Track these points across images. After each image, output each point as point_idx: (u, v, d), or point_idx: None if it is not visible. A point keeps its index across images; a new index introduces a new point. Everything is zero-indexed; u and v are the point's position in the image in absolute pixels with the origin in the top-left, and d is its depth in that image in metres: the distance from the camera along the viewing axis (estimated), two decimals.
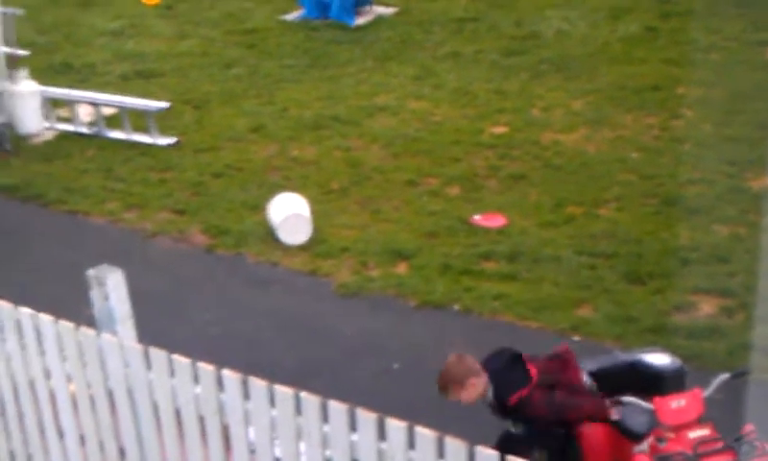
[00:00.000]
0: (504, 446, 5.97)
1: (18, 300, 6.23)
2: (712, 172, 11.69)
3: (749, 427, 6.31)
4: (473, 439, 4.85)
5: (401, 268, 10.41)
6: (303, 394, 5.28)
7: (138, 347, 5.79)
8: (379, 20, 18.08)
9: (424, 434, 4.93)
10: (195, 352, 5.88)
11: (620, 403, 6.41)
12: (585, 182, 11.88)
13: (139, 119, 13.88)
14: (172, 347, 5.79)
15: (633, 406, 6.40)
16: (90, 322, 6.13)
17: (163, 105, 14.06)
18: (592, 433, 6.48)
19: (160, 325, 8.67)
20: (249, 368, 5.79)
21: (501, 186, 12.01)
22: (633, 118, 13.44)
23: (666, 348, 7.11)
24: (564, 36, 16.59)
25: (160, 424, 5.85)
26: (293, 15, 18.50)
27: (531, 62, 15.59)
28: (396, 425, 5.03)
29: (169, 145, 13.61)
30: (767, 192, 11.09)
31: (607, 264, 10.11)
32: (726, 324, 9.01)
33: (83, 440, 6.15)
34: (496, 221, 11.16)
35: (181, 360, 5.63)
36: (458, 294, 9.82)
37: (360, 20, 18.02)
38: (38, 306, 6.17)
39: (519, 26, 17.20)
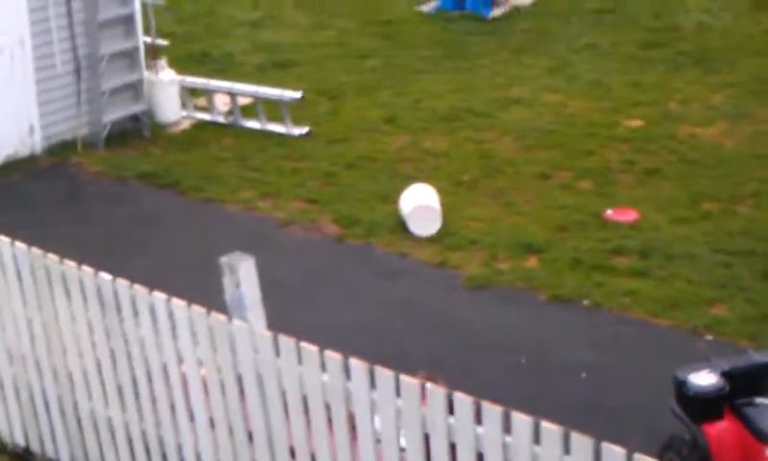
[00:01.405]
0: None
1: (153, 285, 6.37)
2: None
3: None
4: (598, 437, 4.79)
5: (532, 261, 10.34)
6: (429, 385, 5.29)
7: (268, 333, 5.87)
8: (515, 12, 17.97)
9: (550, 429, 4.89)
10: (323, 341, 5.93)
11: (753, 404, 6.27)
12: (722, 178, 11.63)
13: (274, 109, 14.06)
14: (301, 335, 5.85)
15: (766, 407, 6.25)
16: (223, 308, 6.24)
17: (296, 94, 14.20)
18: (721, 433, 6.34)
19: (290, 313, 8.77)
20: (376, 358, 5.81)
21: (635, 181, 11.83)
22: None
23: None
24: (705, 29, 16.26)
25: (288, 411, 5.92)
26: (429, 6, 18.50)
27: (669, 55, 15.31)
28: (521, 419, 5.00)
29: (302, 135, 13.76)
30: None
31: (743, 262, 9.88)
32: None
33: (212, 423, 6.26)
34: (629, 216, 11.00)
35: (309, 348, 5.69)
36: (588, 289, 9.71)
37: (496, 12, 17.92)
38: (172, 292, 6.30)
39: (658, 18, 16.91)
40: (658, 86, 14.31)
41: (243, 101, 14.52)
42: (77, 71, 13.62)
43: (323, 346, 5.70)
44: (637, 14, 17.15)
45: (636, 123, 13.32)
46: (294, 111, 14.02)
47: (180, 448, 6.49)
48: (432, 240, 10.90)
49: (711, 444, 6.34)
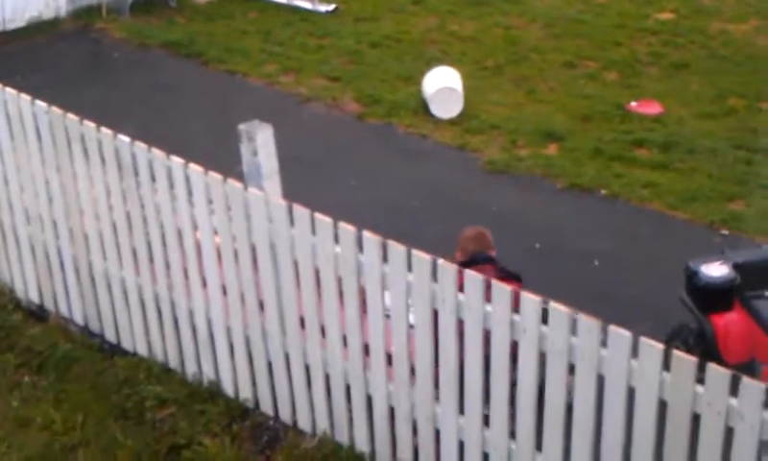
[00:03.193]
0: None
1: (172, 151, 6.37)
2: None
3: None
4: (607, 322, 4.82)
5: (551, 149, 10.29)
6: (441, 261, 5.31)
7: (282, 203, 5.87)
8: None
9: (559, 310, 4.92)
10: (339, 216, 5.93)
11: (763, 297, 6.27)
12: (750, 75, 11.51)
13: None
14: (316, 209, 5.86)
15: None
16: (240, 178, 6.24)
17: None
18: (728, 324, 6.36)
19: (307, 187, 8.79)
20: (390, 234, 5.82)
21: (661, 74, 11.71)
22: None
23: None
24: None
25: (299, 281, 5.95)
26: None
27: None
28: (529, 299, 5.02)
29: (329, 12, 13.63)
30: None
31: (765, 160, 9.81)
32: None
33: (224, 290, 6.31)
34: (653, 108, 10.91)
35: (324, 219, 5.70)
36: (607, 179, 9.67)
37: None
38: (191, 159, 6.30)
39: None
40: None
41: None
42: None
43: (338, 220, 5.70)
44: None
45: (667, 15, 13.14)
46: None
47: (191, 314, 6.55)
48: (453, 123, 10.85)
49: (718, 334, 6.36)
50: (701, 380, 4.49)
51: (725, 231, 8.72)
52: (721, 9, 13.23)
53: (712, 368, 4.45)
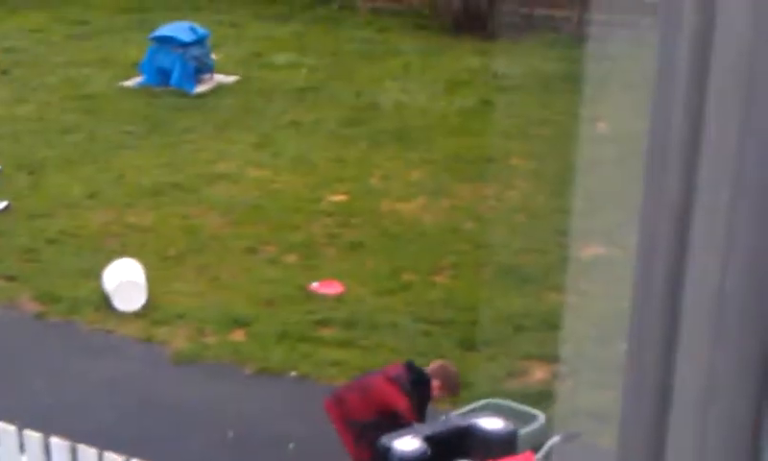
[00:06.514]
0: None
1: None
2: (544, 242, 12.01)
3: None
4: None
5: (238, 335, 10.35)
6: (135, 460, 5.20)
7: None
8: (220, 88, 18.07)
9: None
10: (23, 422, 5.70)
11: None
12: (421, 251, 12.06)
13: None
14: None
15: None
16: None
17: None
18: None
19: None
20: (81, 438, 5.65)
21: (339, 254, 12.09)
22: (469, 189, 13.73)
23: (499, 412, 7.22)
24: (403, 108, 16.89)
25: None
26: (132, 82, 18.32)
27: (370, 132, 15.80)
28: None
29: (0, 210, 13.27)
30: (595, 261, 11.44)
31: (443, 331, 10.25)
32: (556, 389, 9.22)
33: None
34: (334, 288, 11.21)
35: (7, 428, 5.47)
36: (295, 361, 9.80)
37: (201, 88, 17.96)
38: None
39: (359, 96, 17.43)
40: (360, 162, 14.72)
41: None
42: None
43: (22, 426, 5.49)
44: (339, 93, 17.61)
45: (340, 198, 13.63)
46: None
47: None
48: (138, 316, 10.72)
49: None
50: None
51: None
52: (389, 189, 13.86)
53: None
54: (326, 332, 10.34)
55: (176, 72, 17.84)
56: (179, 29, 17.99)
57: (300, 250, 12.18)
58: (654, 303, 2.04)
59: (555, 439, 6.72)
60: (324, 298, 11.02)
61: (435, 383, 7.06)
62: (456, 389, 7.16)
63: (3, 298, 11.14)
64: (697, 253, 1.94)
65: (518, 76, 17.90)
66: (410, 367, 7.22)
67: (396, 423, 6.86)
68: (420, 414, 6.99)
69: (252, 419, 8.89)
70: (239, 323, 10.54)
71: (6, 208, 13.32)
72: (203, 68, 18.19)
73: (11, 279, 11.56)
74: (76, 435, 5.80)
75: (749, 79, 1.83)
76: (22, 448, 5.42)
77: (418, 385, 7.06)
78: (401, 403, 6.96)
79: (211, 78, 18.29)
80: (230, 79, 18.43)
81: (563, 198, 13.13)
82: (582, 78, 16.42)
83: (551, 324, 10.21)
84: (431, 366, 7.31)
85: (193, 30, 18.04)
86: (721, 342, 1.94)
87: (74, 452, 5.33)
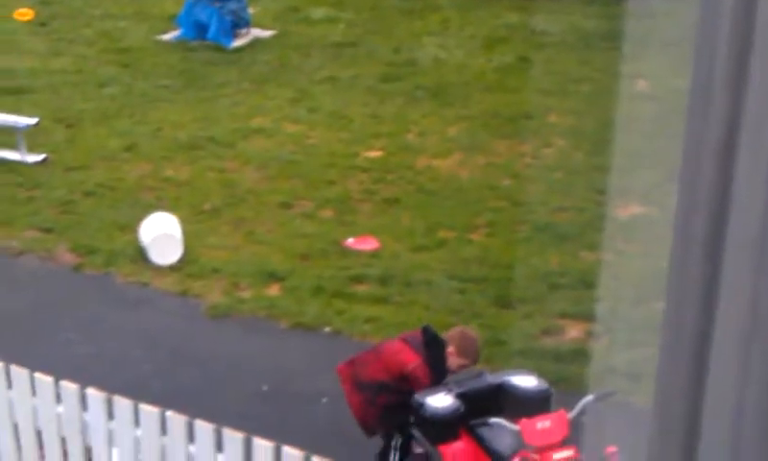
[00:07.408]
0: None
1: None
2: (582, 200, 11.93)
3: (611, 449, 6.43)
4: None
5: (273, 290, 10.37)
6: (169, 413, 5.22)
7: None
8: (257, 43, 18.04)
9: (291, 454, 4.91)
10: (59, 373, 5.74)
11: (487, 425, 6.47)
12: (457, 208, 12.01)
13: (8, 136, 13.57)
14: (35, 367, 5.65)
15: (498, 427, 6.46)
16: None
17: (32, 121, 13.79)
18: (456, 453, 6.52)
19: (24, 345, 8.47)
20: (115, 389, 5.68)
21: (375, 210, 12.06)
22: (506, 146, 13.65)
23: (533, 370, 7.20)
24: (441, 64, 16.79)
25: (20, 445, 5.70)
26: (169, 35, 18.34)
27: (407, 88, 15.73)
28: (263, 446, 4.99)
29: (37, 162, 13.34)
30: (633, 220, 11.36)
31: (477, 289, 10.22)
32: (591, 347, 9.18)
33: None
34: (369, 244, 11.20)
35: (44, 378, 5.51)
36: (329, 316, 9.81)
37: (238, 42, 17.94)
38: None
39: (397, 52, 17.35)
40: (396, 119, 14.66)
41: None
42: None
43: (59, 378, 5.52)
44: (377, 49, 17.54)
45: (376, 154, 13.59)
46: (29, 139, 13.59)
47: None
48: (173, 269, 10.76)
49: None
50: None
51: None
52: (425, 145, 13.81)
53: None
54: (361, 288, 10.33)
55: (213, 26, 17.83)
56: None
57: (336, 205, 12.17)
58: (693, 257, 2.01)
59: (589, 398, 6.68)
60: (358, 254, 11.01)
61: (450, 349, 6.93)
62: (474, 356, 7.01)
63: (40, 250, 11.21)
64: (739, 197, 1.91)
65: (557, 33, 17.75)
66: (425, 330, 7.13)
67: (407, 385, 6.80)
68: (435, 376, 6.89)
69: (285, 373, 8.91)
70: (274, 277, 10.55)
71: (44, 161, 13.38)
72: (239, 22, 18.17)
73: (48, 231, 11.63)
74: (111, 386, 5.83)
75: None
76: (58, 398, 5.46)
77: (431, 347, 6.96)
78: (411, 360, 6.88)
79: (248, 32, 18.26)
80: (267, 33, 18.39)
81: (601, 156, 13.02)
82: (621, 35, 16.26)
83: (587, 282, 10.16)
84: (450, 332, 7.19)
85: None
86: (764, 277, 1.91)
87: (110, 404, 5.36)
